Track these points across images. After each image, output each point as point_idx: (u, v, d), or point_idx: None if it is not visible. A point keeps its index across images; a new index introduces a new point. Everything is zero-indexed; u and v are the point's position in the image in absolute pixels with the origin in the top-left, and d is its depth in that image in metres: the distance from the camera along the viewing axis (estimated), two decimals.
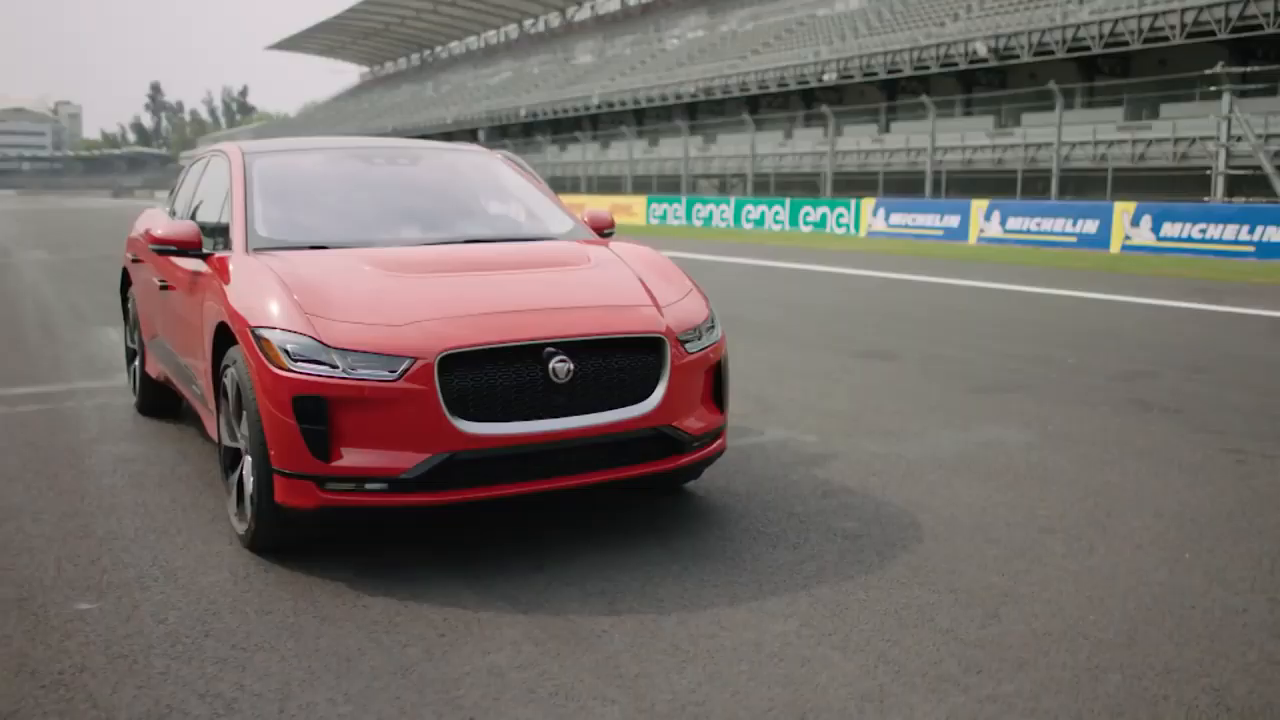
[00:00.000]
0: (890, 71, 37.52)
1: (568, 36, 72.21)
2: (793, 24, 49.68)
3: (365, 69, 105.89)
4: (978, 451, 5.72)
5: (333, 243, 4.72)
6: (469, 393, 3.87)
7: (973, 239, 24.87)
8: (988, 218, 24.68)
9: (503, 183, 5.69)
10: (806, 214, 30.01)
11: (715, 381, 4.50)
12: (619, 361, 4.12)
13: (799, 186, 38.95)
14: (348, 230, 4.89)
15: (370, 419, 3.82)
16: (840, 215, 28.81)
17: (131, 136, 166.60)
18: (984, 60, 34.04)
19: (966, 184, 30.94)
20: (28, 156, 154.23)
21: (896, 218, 27.19)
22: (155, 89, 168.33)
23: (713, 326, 4.57)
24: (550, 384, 3.95)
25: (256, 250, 4.63)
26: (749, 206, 32.70)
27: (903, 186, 33.16)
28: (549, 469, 4.05)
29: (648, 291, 4.44)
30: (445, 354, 3.83)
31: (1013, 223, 24.11)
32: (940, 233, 25.79)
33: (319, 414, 3.80)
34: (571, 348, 4.01)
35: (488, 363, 3.91)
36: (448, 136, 66.15)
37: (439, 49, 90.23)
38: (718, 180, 45.52)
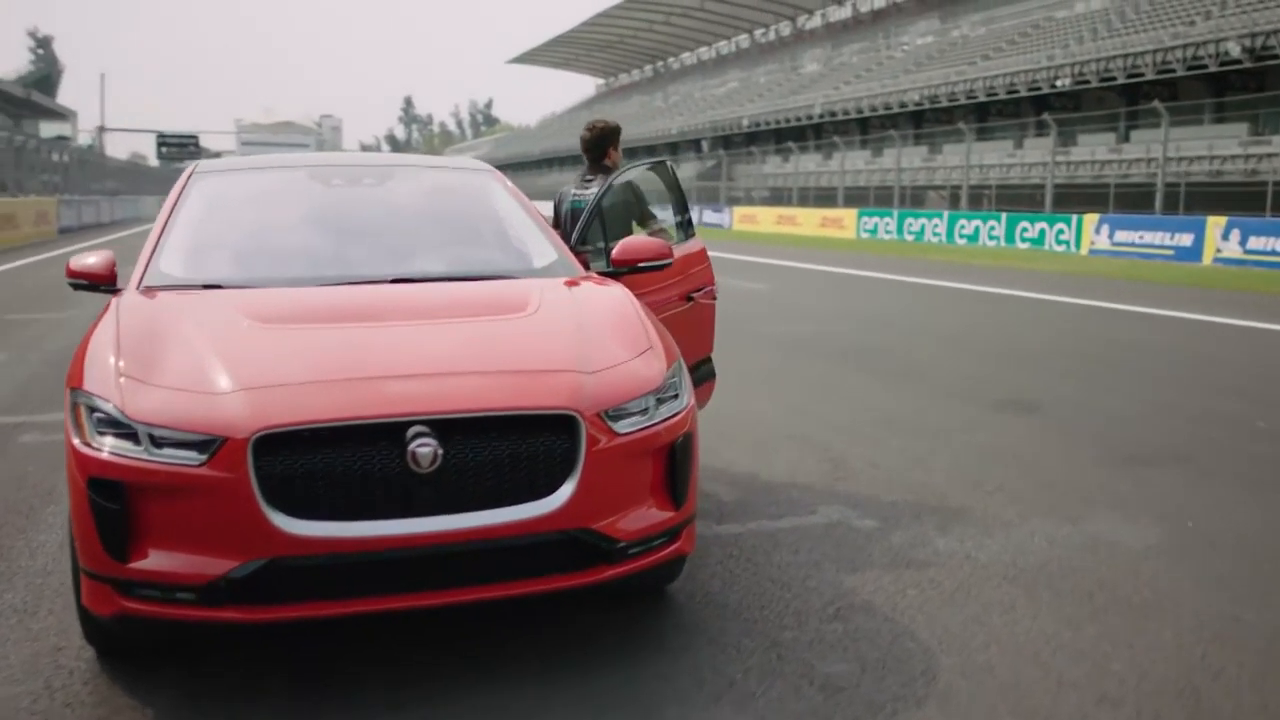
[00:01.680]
0: (1130, 75, 34.45)
1: (796, 45, 70.99)
2: (1027, 27, 46.74)
3: (600, 81, 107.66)
4: (1072, 558, 4.43)
5: (232, 281, 3.99)
6: (298, 483, 3.02)
7: (1207, 260, 22.17)
8: (1226, 236, 21.94)
9: (486, 206, 4.84)
10: (1024, 230, 27.78)
11: (670, 468, 3.48)
12: (511, 446, 3.18)
13: (1025, 200, 36.36)
14: (260, 266, 4.15)
15: (179, 512, 3.03)
16: (1060, 232, 26.46)
17: (385, 147, 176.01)
18: (1237, 61, 30.68)
19: (1208, 198, 27.81)
20: None
21: (1122, 235, 24.67)
22: (408, 102, 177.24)
23: (675, 395, 3.56)
24: (410, 474, 3.04)
25: (148, 289, 3.95)
26: (962, 221, 30.66)
27: (1138, 201, 30.28)
28: (411, 583, 3.16)
29: (575, 352, 3.46)
30: (263, 434, 2.99)
31: (1256, 242, 21.28)
32: (1170, 252, 23.15)
33: (116, 502, 3.03)
34: (444, 427, 3.09)
35: (324, 445, 3.04)
36: (673, 147, 66.20)
37: (671, 60, 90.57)
38: (946, 192, 43.20)
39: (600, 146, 5.71)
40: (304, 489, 3.02)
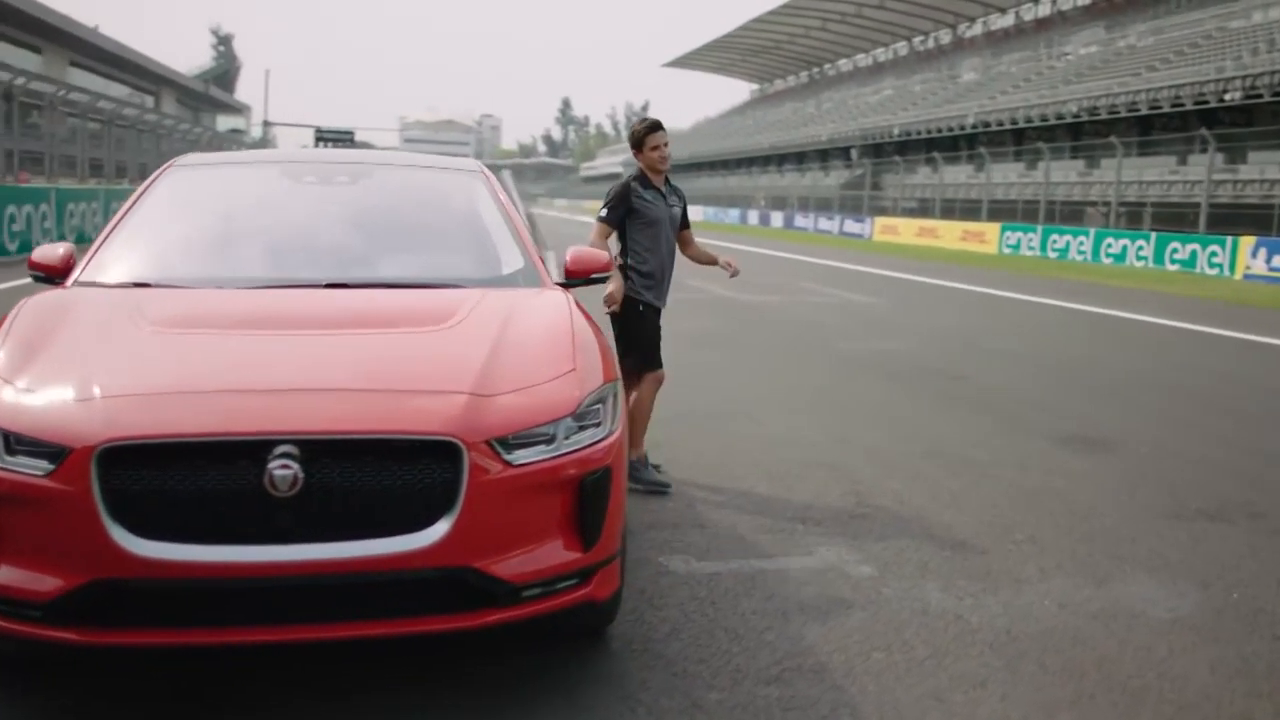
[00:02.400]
0: None
1: (955, 53, 69.07)
2: (1198, 38, 44.23)
3: (755, 86, 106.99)
4: (1080, 628, 3.90)
5: (163, 280, 3.82)
6: (149, 501, 2.80)
7: None
8: None
9: (463, 209, 4.58)
10: (1174, 251, 26.16)
11: (580, 504, 3.13)
12: (385, 473, 2.89)
13: (1184, 219, 34.34)
14: (196, 266, 3.99)
15: (27, 524, 2.85)
16: (1213, 254, 24.80)
17: (542, 148, 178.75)
18: None
19: None
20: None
21: None
22: (565, 104, 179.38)
23: (596, 424, 3.22)
24: (269, 498, 2.79)
25: (80, 284, 3.82)
26: (1109, 239, 29.10)
27: None
28: (270, 615, 2.91)
29: (478, 372, 3.15)
30: (110, 445, 2.78)
31: None
32: None
33: None
34: (311, 449, 2.83)
35: (177, 461, 2.81)
36: (823, 154, 65.21)
37: (827, 66, 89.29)
38: (1104, 208, 41.13)
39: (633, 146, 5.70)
40: (154, 507, 2.80)
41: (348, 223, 4.38)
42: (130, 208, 4.25)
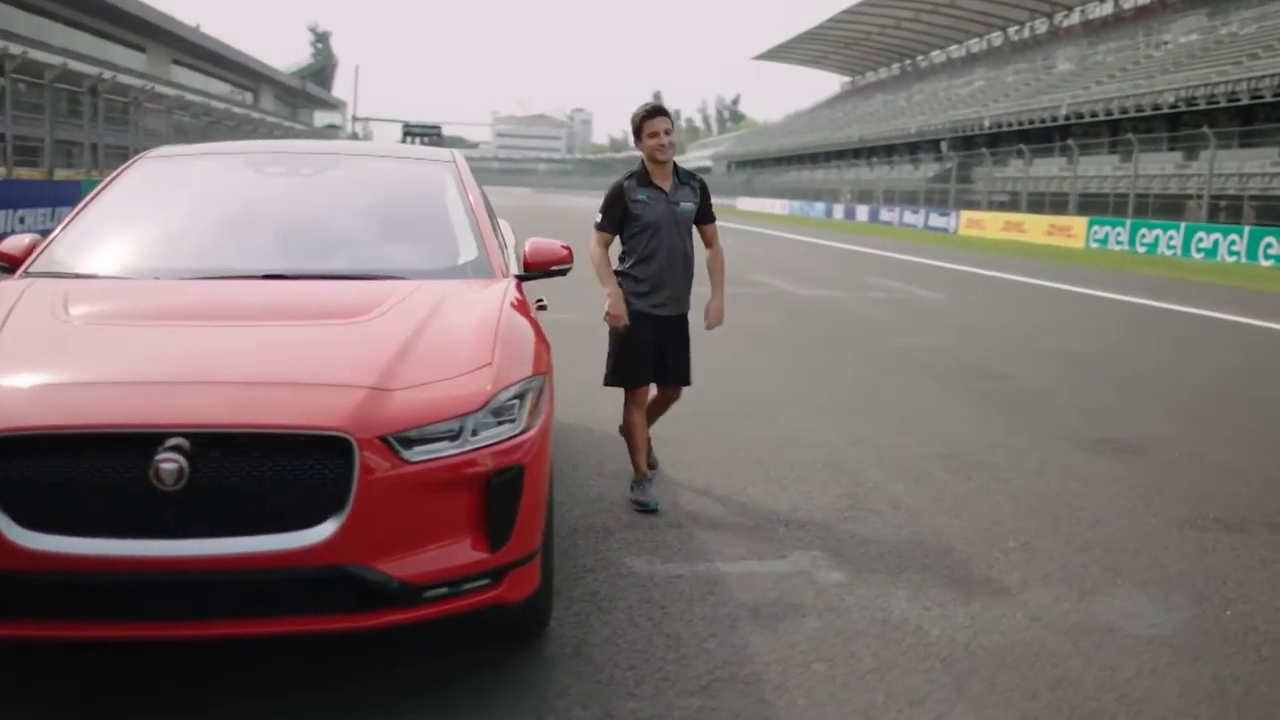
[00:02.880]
0: None
1: (1051, 43, 67.33)
2: None
3: (846, 78, 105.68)
4: (1047, 643, 3.68)
5: (102, 271, 3.83)
6: (37, 493, 2.77)
7: None
8: None
9: (425, 200, 4.50)
10: (1268, 246, 25.09)
11: (489, 502, 3.03)
12: (274, 467, 2.82)
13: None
14: (141, 256, 3.99)
15: None
16: None
17: (632, 141, 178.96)
18: None
19: None
20: (544, 159, 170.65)
21: None
22: (656, 97, 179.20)
23: (511, 421, 3.11)
24: (154, 491, 2.74)
25: (29, 274, 3.83)
26: (1200, 234, 28.04)
27: None
28: (157, 611, 2.86)
29: (382, 365, 3.06)
30: (4, 434, 2.75)
31: None
32: None
33: None
34: (200, 442, 2.77)
35: (65, 453, 2.78)
36: (912, 147, 64.05)
37: (919, 58, 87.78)
38: (1203, 201, 39.59)
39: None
40: (43, 500, 2.77)
41: (301, 214, 4.35)
42: (91, 199, 4.27)
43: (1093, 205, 39.62)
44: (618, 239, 5.08)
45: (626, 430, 5.13)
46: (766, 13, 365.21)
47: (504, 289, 3.82)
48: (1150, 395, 8.49)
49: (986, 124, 57.58)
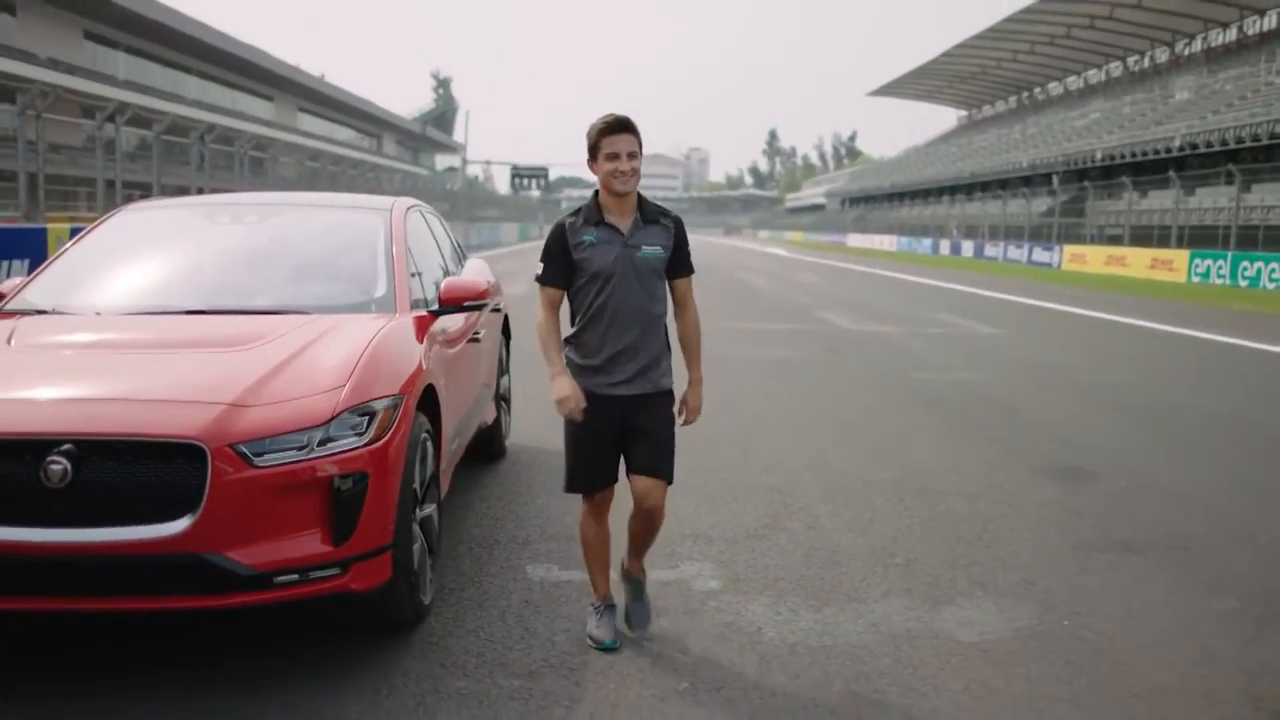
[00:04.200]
0: None
1: (1171, 72, 65.70)
2: None
3: (963, 113, 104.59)
4: (870, 646, 4.02)
5: (55, 307, 4.55)
6: None
7: None
8: None
9: (354, 246, 5.08)
10: None
11: (333, 502, 3.56)
12: (143, 469, 3.40)
13: None
14: (88, 295, 4.69)
15: None
16: None
17: (748, 179, 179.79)
18: None
19: None
20: (660, 197, 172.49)
21: None
22: (772, 135, 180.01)
23: (358, 434, 3.64)
24: (42, 487, 3.34)
25: (4, 313, 4.52)
26: None
27: None
28: (45, 587, 3.45)
29: (245, 385, 3.62)
30: None
31: None
32: None
33: None
34: (85, 447, 3.37)
35: None
36: (1025, 181, 62.92)
37: (1036, 90, 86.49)
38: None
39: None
40: None
41: (235, 257, 4.99)
42: (72, 245, 4.97)
43: (1202, 238, 38.57)
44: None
45: (583, 542, 4.10)
46: (885, 49, 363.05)
47: (395, 322, 4.36)
48: (1146, 426, 8.58)
49: (1099, 156, 56.44)
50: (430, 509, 4.28)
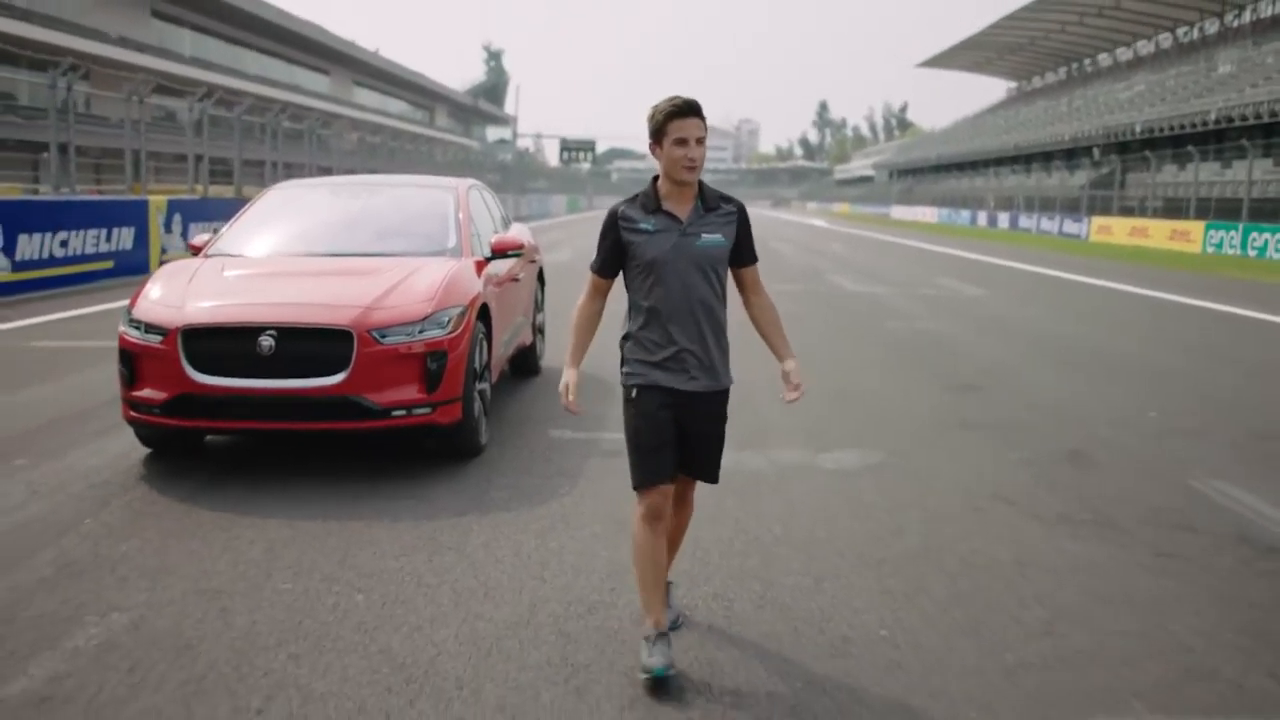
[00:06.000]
0: None
1: (1218, 44, 65.89)
2: None
3: (1012, 84, 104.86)
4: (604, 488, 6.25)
5: (239, 252, 6.86)
6: (204, 354, 5.74)
7: None
8: None
9: (431, 212, 7.37)
10: None
11: (426, 367, 5.87)
12: (320, 344, 5.74)
13: None
14: (261, 244, 7.00)
15: (150, 367, 5.85)
16: None
17: (798, 151, 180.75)
18: None
19: None
20: (710, 169, 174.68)
21: None
22: (823, 106, 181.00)
23: (441, 326, 5.96)
24: (257, 353, 5.68)
25: (207, 256, 6.88)
26: None
27: None
28: (266, 414, 5.80)
29: (372, 296, 5.94)
30: (185, 327, 5.75)
31: None
32: None
33: (126, 362, 5.92)
34: (280, 330, 5.70)
35: (217, 336, 5.76)
36: (1069, 154, 63.70)
37: (1085, 62, 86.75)
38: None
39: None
40: (209, 356, 5.73)
41: (355, 220, 7.34)
42: (243, 211, 7.34)
43: (1226, 210, 39.90)
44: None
45: (636, 554, 3.77)
46: (939, 19, 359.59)
47: (461, 263, 6.65)
48: (1050, 360, 10.73)
49: (1138, 129, 57.23)
50: (485, 386, 6.58)
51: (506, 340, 7.55)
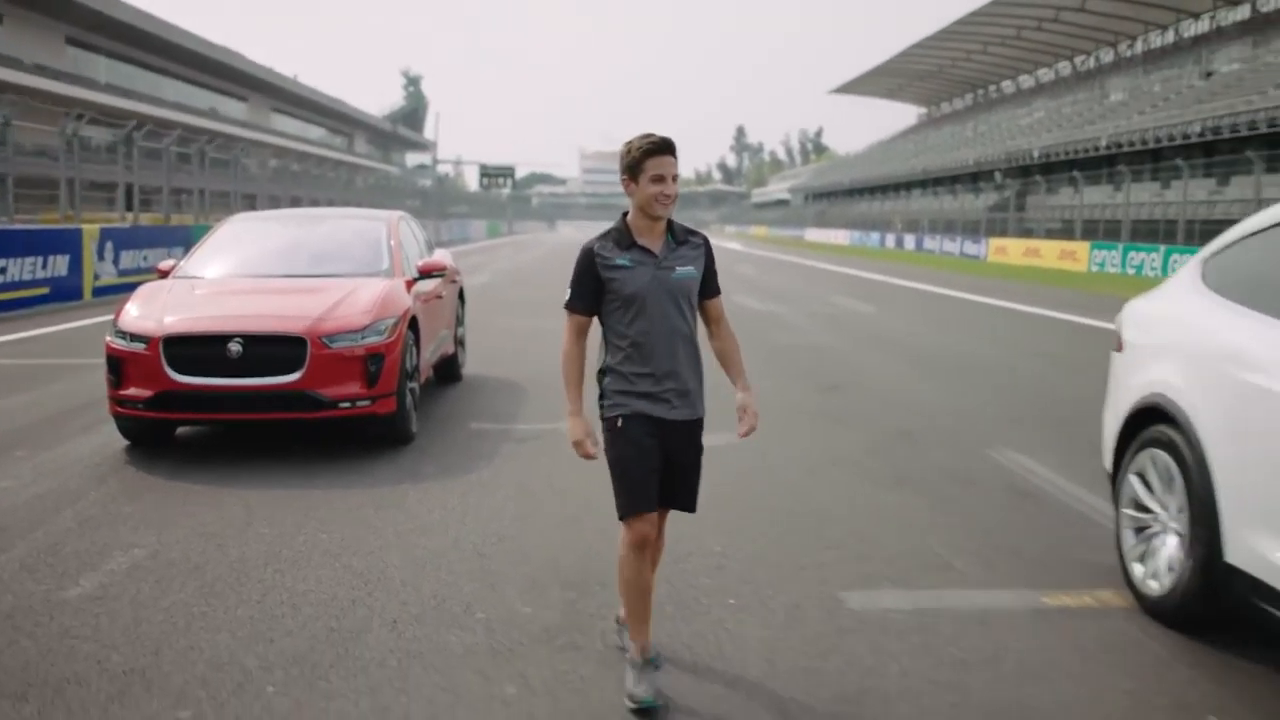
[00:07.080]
0: None
1: (1112, 73, 69.23)
2: None
3: (923, 110, 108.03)
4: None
5: (202, 275, 8.09)
6: (182, 358, 6.98)
7: None
8: None
9: (366, 239, 8.70)
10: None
11: (366, 367, 7.18)
12: (276, 349, 7.02)
13: None
14: (223, 266, 8.25)
15: (134, 369, 7.06)
16: None
17: (717, 175, 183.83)
18: None
19: None
20: (619, 192, 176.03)
21: None
22: (740, 131, 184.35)
23: (379, 334, 7.27)
24: (227, 358, 6.93)
25: (174, 278, 8.11)
26: (1176, 256, 31.05)
27: None
28: (234, 407, 7.06)
29: (320, 309, 7.25)
30: (166, 336, 6.99)
31: None
32: None
33: (114, 366, 7.12)
34: (246, 338, 6.96)
35: (193, 342, 7.00)
36: (973, 177, 66.08)
37: (991, 89, 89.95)
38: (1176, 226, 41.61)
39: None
40: (184, 361, 6.96)
41: (302, 246, 8.63)
42: (200, 242, 8.59)
43: (1111, 231, 42.34)
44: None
45: (623, 583, 3.84)
46: (853, 47, 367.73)
47: (393, 282, 7.96)
48: (906, 361, 12.35)
49: (1036, 154, 59.89)
50: (414, 384, 7.88)
51: (433, 348, 8.87)
